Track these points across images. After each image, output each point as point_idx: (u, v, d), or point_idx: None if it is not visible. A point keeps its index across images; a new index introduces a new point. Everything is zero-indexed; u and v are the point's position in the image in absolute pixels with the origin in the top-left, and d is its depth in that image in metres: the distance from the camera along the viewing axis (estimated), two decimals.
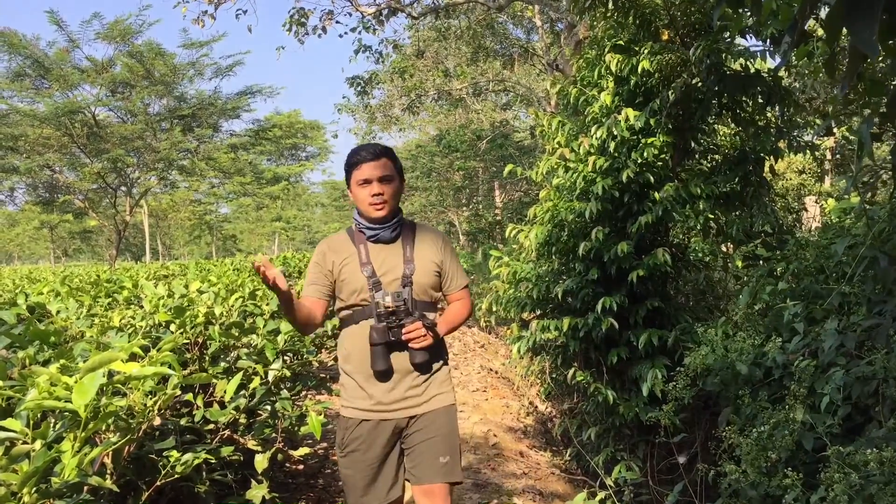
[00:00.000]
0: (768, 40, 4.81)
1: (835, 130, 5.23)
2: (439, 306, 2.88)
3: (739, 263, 5.23)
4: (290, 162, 45.37)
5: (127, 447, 2.16)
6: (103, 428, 1.98)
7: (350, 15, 15.22)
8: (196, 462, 2.27)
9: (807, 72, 5.50)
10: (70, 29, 20.56)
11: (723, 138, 5.71)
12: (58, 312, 3.96)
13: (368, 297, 2.64)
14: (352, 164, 2.70)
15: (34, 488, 1.66)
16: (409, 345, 2.60)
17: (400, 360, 2.64)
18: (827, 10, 1.83)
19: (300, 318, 2.68)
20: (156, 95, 22.58)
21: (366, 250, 2.69)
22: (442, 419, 2.72)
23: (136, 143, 22.63)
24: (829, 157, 14.33)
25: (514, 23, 20.52)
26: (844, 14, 1.24)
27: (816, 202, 7.89)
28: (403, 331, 2.57)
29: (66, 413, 1.84)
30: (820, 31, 4.51)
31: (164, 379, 2.59)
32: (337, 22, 14.76)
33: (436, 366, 2.75)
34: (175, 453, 2.23)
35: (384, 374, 2.63)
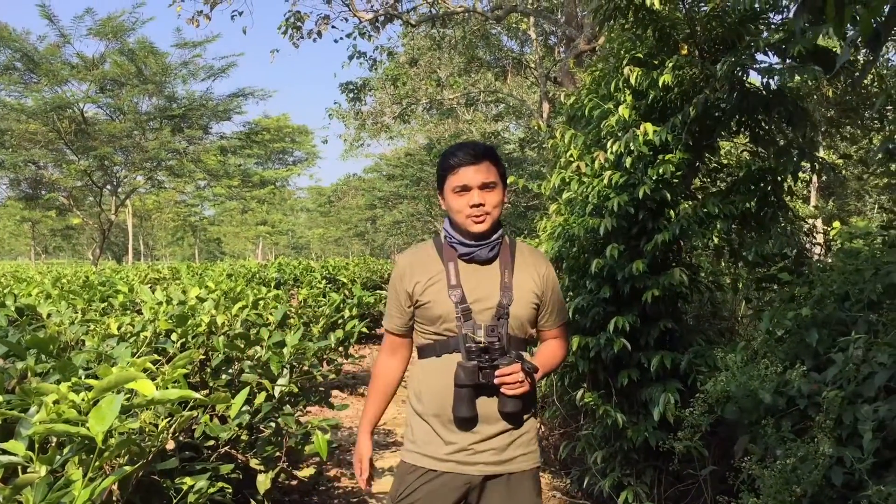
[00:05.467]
0: (788, 59, 4.72)
1: None
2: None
3: (741, 285, 5.10)
4: (277, 166, 45.24)
5: (136, 473, 1.98)
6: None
7: (346, 20, 15.13)
8: (211, 491, 2.09)
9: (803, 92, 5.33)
10: (62, 24, 20.36)
11: (727, 157, 5.59)
12: (48, 316, 3.76)
13: (455, 328, 2.22)
14: (447, 167, 2.27)
15: None
16: (502, 390, 2.15)
17: (486, 405, 2.21)
18: None
19: (393, 389, 2.46)
20: (146, 94, 22.36)
21: (456, 270, 2.25)
22: (526, 490, 2.28)
23: (124, 141, 22.39)
24: (815, 179, 14.32)
25: (509, 34, 20.52)
26: None
27: (826, 226, 7.80)
28: (497, 373, 2.13)
29: (76, 437, 1.66)
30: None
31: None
32: (333, 27, 14.60)
33: (526, 416, 2.30)
34: (189, 480, 2.05)
35: (467, 423, 2.22)
